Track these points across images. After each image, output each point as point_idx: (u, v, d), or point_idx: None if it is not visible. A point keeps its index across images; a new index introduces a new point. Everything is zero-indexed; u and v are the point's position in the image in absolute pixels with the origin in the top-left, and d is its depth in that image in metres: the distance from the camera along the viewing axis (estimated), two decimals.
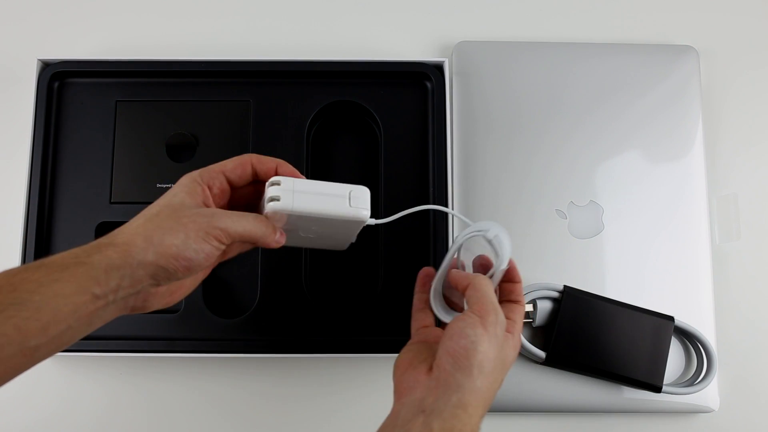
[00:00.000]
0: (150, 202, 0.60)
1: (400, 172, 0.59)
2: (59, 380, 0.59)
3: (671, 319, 0.57)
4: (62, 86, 0.60)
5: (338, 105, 0.61)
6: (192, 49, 0.65)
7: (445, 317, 0.47)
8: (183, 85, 0.61)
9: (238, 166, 0.43)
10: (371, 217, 0.43)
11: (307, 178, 0.44)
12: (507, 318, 0.43)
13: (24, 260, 0.57)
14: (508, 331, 0.42)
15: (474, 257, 0.47)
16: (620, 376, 0.55)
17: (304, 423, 0.59)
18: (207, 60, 0.60)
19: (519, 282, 0.46)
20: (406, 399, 0.39)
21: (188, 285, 0.44)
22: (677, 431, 0.59)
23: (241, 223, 0.40)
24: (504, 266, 0.44)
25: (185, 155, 0.60)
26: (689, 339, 0.58)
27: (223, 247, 0.39)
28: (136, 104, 0.61)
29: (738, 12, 0.67)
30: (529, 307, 0.57)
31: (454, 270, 0.46)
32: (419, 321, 0.48)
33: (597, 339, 0.56)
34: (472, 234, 0.46)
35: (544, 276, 0.58)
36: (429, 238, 0.58)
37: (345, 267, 0.60)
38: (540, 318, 0.56)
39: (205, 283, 0.57)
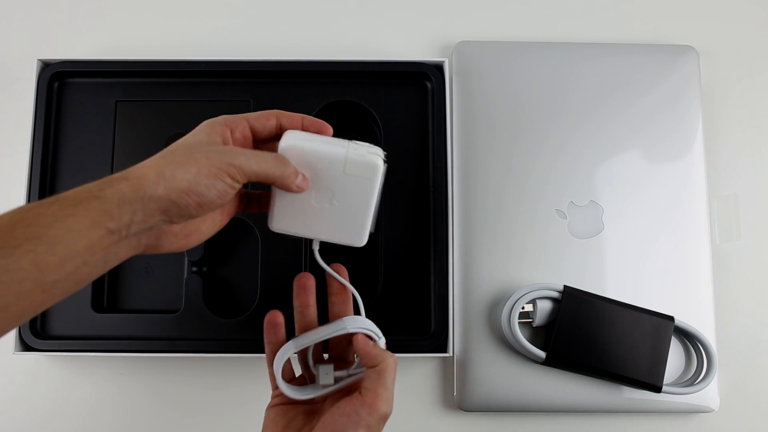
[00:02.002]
0: None
1: (400, 172, 0.59)
2: (59, 380, 0.59)
3: (671, 319, 0.57)
4: (62, 86, 0.60)
5: (338, 105, 0.61)
6: (192, 49, 0.65)
7: (294, 395, 0.44)
8: (183, 85, 0.61)
9: (263, 115, 0.42)
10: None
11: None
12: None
13: None
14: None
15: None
16: (620, 376, 0.55)
17: None
18: (207, 60, 0.60)
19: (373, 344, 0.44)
20: None
21: (204, 230, 0.42)
22: (677, 431, 0.59)
23: (257, 161, 0.39)
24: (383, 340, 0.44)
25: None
26: (689, 339, 0.58)
27: (237, 185, 0.38)
28: (136, 104, 0.61)
29: (738, 12, 0.67)
30: (528, 307, 0.57)
31: (362, 336, 0.43)
32: (280, 371, 0.44)
33: (597, 339, 0.56)
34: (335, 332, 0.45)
35: (544, 276, 0.58)
36: (429, 238, 0.58)
37: (345, 267, 0.60)
38: (540, 318, 0.56)
39: (205, 283, 0.58)
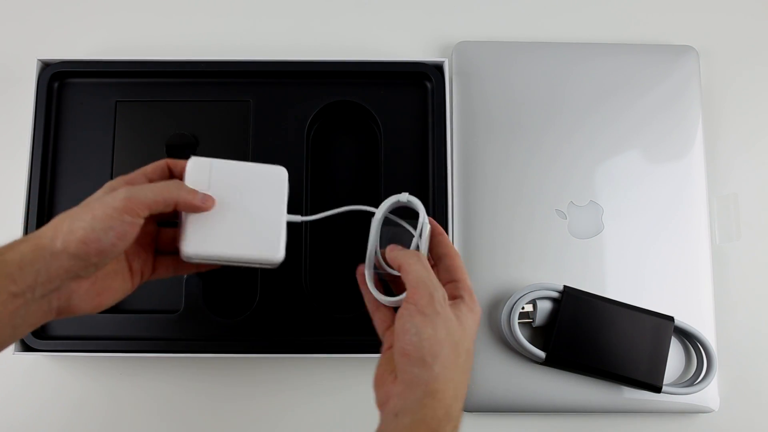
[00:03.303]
0: None
1: (400, 173, 0.59)
2: (59, 380, 0.59)
3: (671, 319, 0.57)
4: (62, 86, 0.60)
5: (338, 105, 0.61)
6: (192, 49, 0.65)
7: (383, 299, 0.45)
8: (183, 85, 0.61)
9: (156, 168, 0.44)
10: (298, 215, 0.46)
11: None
12: (449, 281, 0.43)
13: None
14: (452, 297, 0.41)
15: (382, 250, 0.46)
16: (620, 376, 0.55)
17: (304, 423, 0.59)
18: (207, 60, 0.60)
19: (442, 234, 0.45)
20: (384, 413, 0.39)
21: (117, 288, 0.42)
22: (677, 431, 0.59)
23: (153, 189, 0.40)
24: (427, 223, 0.44)
25: (185, 155, 0.60)
26: (689, 339, 0.58)
27: (139, 221, 0.39)
28: (136, 104, 0.61)
29: (738, 12, 0.67)
30: (528, 308, 0.57)
31: (389, 250, 0.44)
32: (380, 322, 0.45)
33: (597, 339, 0.56)
34: (390, 205, 0.46)
35: (544, 276, 0.58)
36: None
37: (345, 267, 0.60)
38: (540, 318, 0.56)
39: (205, 283, 0.58)
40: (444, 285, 0.42)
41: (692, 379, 0.58)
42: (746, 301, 0.62)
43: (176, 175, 0.45)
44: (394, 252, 0.43)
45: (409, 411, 0.37)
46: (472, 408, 0.57)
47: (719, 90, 0.65)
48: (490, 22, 0.66)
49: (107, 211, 0.37)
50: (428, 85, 0.61)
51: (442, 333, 0.39)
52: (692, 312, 0.59)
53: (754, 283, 0.62)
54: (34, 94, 0.59)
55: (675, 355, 0.58)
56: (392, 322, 0.44)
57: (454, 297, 0.42)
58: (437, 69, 0.60)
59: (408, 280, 0.40)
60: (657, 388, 0.55)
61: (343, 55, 0.64)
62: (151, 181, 0.43)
